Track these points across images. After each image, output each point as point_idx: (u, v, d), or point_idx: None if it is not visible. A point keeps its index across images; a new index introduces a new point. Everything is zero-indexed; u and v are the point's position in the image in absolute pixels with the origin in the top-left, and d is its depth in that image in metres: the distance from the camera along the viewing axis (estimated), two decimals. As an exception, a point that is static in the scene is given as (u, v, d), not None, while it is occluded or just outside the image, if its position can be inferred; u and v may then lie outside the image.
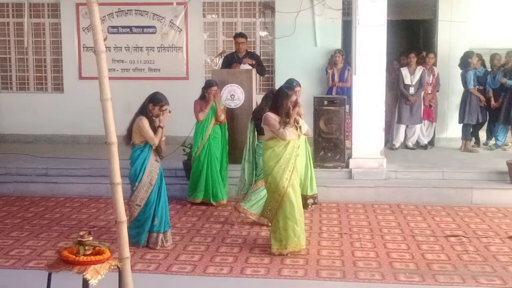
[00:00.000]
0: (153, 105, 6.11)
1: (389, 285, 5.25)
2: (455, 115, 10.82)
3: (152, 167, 6.14)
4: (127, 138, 6.18)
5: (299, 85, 7.36)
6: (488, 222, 7.19)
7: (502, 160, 8.76)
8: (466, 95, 10.33)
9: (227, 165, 8.11)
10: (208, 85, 7.99)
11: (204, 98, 7.90)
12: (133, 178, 6.13)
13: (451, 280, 5.30)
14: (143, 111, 6.11)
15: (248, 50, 9.91)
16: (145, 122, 6.02)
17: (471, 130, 10.55)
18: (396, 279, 5.35)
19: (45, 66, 11.86)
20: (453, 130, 11.14)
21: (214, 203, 7.87)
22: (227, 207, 7.84)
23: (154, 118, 6.12)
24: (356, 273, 5.47)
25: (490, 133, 10.93)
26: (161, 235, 6.19)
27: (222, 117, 7.97)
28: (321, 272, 5.52)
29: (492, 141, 10.83)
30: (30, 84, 11.94)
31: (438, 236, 6.60)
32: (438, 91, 10.91)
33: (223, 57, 9.72)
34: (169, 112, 6.19)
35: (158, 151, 6.17)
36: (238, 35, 9.63)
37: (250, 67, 9.22)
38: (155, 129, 6.09)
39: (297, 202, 5.95)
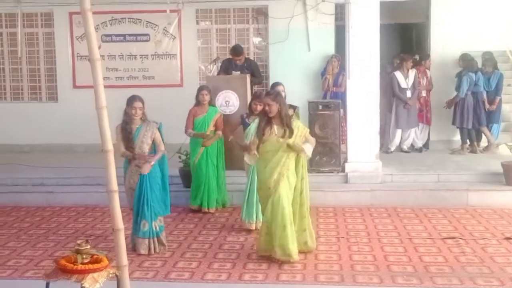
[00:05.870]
0: (126, 106, 6.25)
1: (387, 288, 5.26)
2: (449, 117, 10.86)
3: (132, 172, 6.25)
4: None
5: (281, 85, 7.62)
6: (485, 224, 7.22)
7: (497, 161, 8.78)
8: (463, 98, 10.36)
9: (224, 172, 8.11)
10: (199, 89, 8.01)
11: (199, 104, 7.92)
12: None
13: (449, 282, 5.31)
14: (123, 117, 6.26)
15: (246, 57, 9.91)
16: (115, 130, 6.13)
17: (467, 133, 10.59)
18: (394, 282, 5.35)
19: (39, 75, 11.86)
20: (447, 132, 11.18)
21: (206, 210, 7.86)
22: (224, 213, 7.84)
23: (133, 119, 6.20)
24: (354, 277, 5.48)
25: (481, 135, 10.93)
26: (148, 241, 6.18)
27: (208, 143, 7.85)
28: (319, 276, 5.52)
29: (484, 143, 10.86)
30: (24, 94, 11.93)
31: (435, 239, 6.62)
32: (430, 90, 10.96)
33: (217, 64, 9.72)
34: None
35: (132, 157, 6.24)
36: (234, 53, 9.49)
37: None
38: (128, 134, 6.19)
39: (276, 210, 5.78)
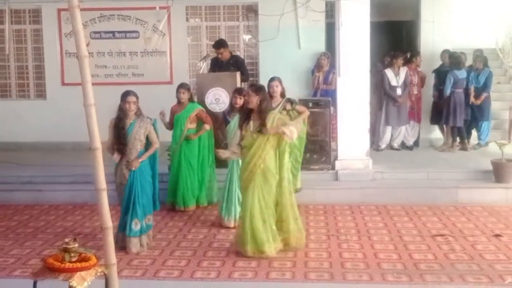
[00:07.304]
0: (120, 101, 6.19)
1: (377, 285, 5.26)
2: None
3: (122, 167, 6.18)
4: None
5: (275, 80, 7.61)
6: (474, 221, 7.23)
7: (486, 159, 8.81)
8: (449, 96, 10.37)
9: (211, 169, 8.04)
10: (178, 87, 7.95)
11: (178, 102, 7.89)
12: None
13: (438, 279, 5.31)
14: (118, 110, 6.20)
15: (233, 54, 9.89)
16: (109, 124, 6.13)
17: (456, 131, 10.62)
18: (384, 279, 5.35)
19: (27, 73, 11.78)
20: (437, 130, 11.21)
21: (177, 208, 7.80)
22: (213, 211, 7.81)
23: (128, 114, 6.15)
24: (344, 275, 5.47)
25: (471, 133, 10.95)
26: (139, 238, 6.17)
27: (193, 136, 7.81)
28: (309, 274, 5.51)
29: (474, 141, 10.89)
30: (12, 91, 11.85)
31: (425, 236, 6.63)
32: (421, 87, 10.99)
33: (207, 61, 9.68)
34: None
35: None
36: (216, 46, 9.47)
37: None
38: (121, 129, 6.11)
39: (252, 205, 5.83)
